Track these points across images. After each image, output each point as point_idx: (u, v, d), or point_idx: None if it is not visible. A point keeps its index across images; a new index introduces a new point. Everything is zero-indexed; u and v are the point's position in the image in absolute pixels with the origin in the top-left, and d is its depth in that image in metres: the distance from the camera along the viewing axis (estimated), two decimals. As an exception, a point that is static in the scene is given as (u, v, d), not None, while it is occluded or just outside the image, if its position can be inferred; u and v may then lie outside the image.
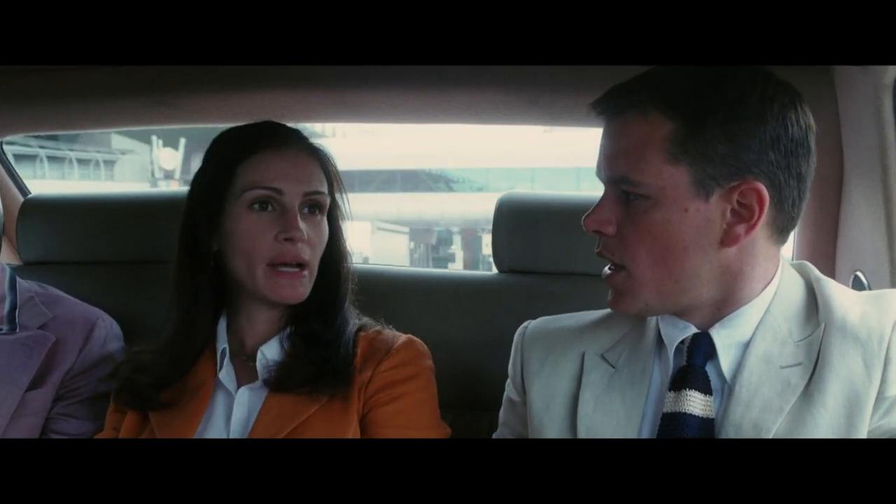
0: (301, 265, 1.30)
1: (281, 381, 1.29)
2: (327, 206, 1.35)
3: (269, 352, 1.33)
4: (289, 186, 1.30)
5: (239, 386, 1.32)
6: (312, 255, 1.32)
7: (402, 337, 1.35)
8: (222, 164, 1.32)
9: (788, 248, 1.61)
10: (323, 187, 1.34)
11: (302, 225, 1.29)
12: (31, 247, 1.82)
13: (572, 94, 1.56)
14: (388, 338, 1.35)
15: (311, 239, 1.31)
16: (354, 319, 1.38)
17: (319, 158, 1.36)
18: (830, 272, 1.51)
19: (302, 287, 1.31)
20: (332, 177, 1.37)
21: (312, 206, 1.33)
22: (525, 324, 1.24)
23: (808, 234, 1.56)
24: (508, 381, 1.23)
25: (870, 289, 1.39)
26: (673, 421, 1.04)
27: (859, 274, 1.43)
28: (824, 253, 1.54)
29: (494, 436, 1.26)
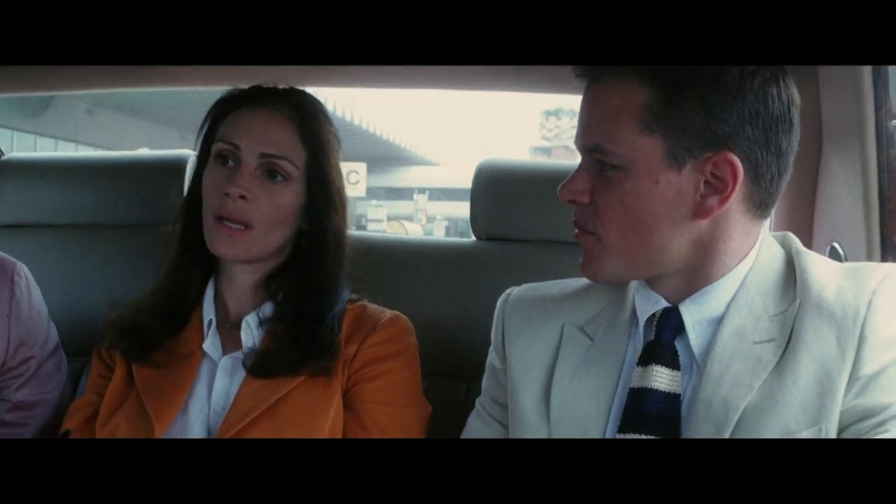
0: (246, 224, 1.27)
1: (263, 368, 1.28)
2: (294, 175, 1.30)
3: (254, 321, 1.32)
4: (246, 143, 1.28)
5: (224, 355, 1.31)
6: (259, 217, 1.28)
7: (389, 313, 1.35)
8: (209, 123, 1.34)
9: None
10: (287, 153, 1.30)
11: (248, 183, 1.26)
12: (6, 209, 1.79)
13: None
14: (374, 313, 1.35)
15: (258, 200, 1.27)
16: (346, 295, 1.35)
17: (300, 124, 1.31)
18: (808, 243, 1.52)
19: (239, 246, 1.28)
20: (313, 145, 1.32)
21: (271, 170, 1.29)
22: (508, 290, 1.24)
23: (786, 205, 1.57)
24: (491, 347, 1.24)
25: (846, 260, 1.40)
26: (639, 395, 1.05)
27: (836, 245, 1.44)
28: (802, 224, 1.55)
29: (476, 403, 1.27)
